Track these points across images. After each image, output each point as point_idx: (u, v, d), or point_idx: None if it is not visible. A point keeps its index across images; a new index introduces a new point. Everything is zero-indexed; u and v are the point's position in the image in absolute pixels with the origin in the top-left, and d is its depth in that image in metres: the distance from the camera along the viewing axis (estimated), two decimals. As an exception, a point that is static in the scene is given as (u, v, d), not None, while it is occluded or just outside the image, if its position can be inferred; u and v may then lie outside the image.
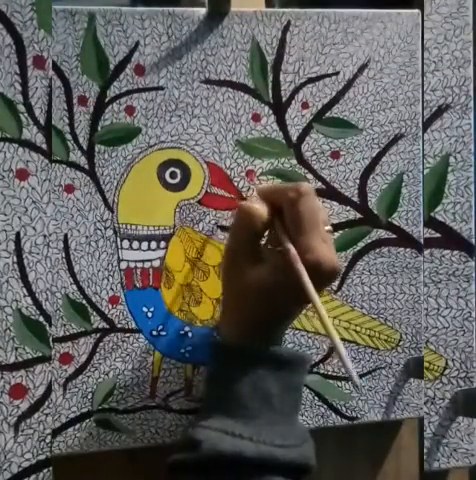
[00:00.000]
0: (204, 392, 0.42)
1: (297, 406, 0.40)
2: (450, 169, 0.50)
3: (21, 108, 0.42)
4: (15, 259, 0.42)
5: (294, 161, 0.47)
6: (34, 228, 0.43)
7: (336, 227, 0.48)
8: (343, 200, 0.48)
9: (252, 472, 0.35)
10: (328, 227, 0.41)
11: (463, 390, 0.51)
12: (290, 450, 0.36)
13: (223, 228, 0.46)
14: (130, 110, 0.44)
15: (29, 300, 0.42)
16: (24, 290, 0.42)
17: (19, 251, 0.42)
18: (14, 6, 0.41)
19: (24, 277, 0.42)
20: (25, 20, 0.42)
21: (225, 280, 0.41)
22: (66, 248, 0.44)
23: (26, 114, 0.42)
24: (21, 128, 0.42)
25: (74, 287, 0.44)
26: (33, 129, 0.42)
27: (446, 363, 0.51)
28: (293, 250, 0.37)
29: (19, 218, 0.42)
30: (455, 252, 0.51)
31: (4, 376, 0.42)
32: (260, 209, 0.39)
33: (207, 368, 0.43)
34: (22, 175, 0.42)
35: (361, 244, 0.49)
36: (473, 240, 0.51)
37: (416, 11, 0.48)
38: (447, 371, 0.51)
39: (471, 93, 0.50)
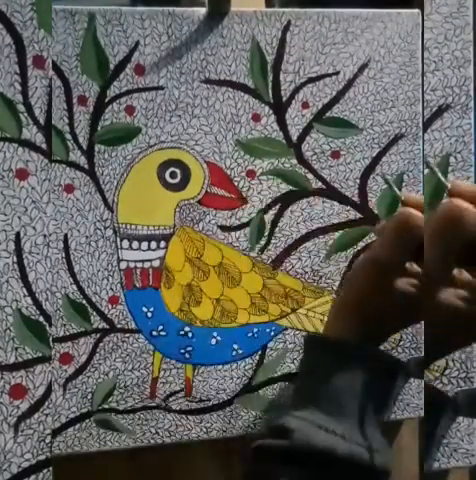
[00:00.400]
0: (299, 383, 0.41)
1: (386, 412, 0.40)
2: (450, 169, 0.50)
3: (21, 108, 0.42)
4: (15, 259, 0.42)
5: (294, 161, 0.47)
6: (34, 228, 0.43)
7: (336, 227, 0.48)
8: (343, 200, 0.48)
9: (341, 470, 0.35)
10: None
11: (463, 390, 0.51)
12: (378, 454, 0.36)
13: (223, 228, 0.46)
14: (130, 110, 0.44)
15: (29, 300, 0.42)
16: (24, 290, 0.42)
17: (19, 251, 0.42)
18: (14, 6, 0.41)
19: (24, 277, 0.42)
20: (25, 20, 0.41)
21: (358, 282, 0.39)
22: (66, 248, 0.44)
23: (26, 114, 0.42)
24: (21, 128, 0.42)
25: (74, 287, 0.44)
26: (33, 129, 0.42)
27: (446, 363, 0.51)
28: None
29: (19, 218, 0.42)
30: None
31: (4, 376, 0.42)
32: (420, 218, 0.35)
33: (304, 359, 0.42)
34: (22, 175, 0.42)
35: (361, 244, 0.49)
36: (473, 240, 0.51)
37: (416, 11, 0.48)
38: (447, 371, 0.51)
39: (471, 93, 0.50)
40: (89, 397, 0.45)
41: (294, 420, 0.36)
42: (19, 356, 0.42)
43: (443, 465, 0.51)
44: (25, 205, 0.42)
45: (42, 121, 0.42)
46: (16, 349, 0.42)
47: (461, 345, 0.41)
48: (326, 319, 0.47)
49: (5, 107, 0.42)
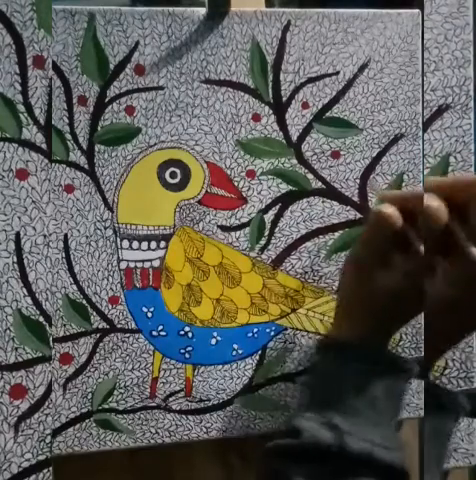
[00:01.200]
0: (308, 384, 0.42)
1: (398, 411, 0.40)
2: (450, 169, 0.50)
3: (21, 108, 0.42)
4: (15, 259, 0.42)
5: (294, 161, 0.47)
6: (34, 228, 0.43)
7: (336, 227, 0.48)
8: (343, 200, 0.48)
9: (351, 468, 0.36)
10: None
11: (463, 390, 0.51)
12: (390, 452, 0.37)
13: (223, 228, 0.46)
14: (130, 110, 0.44)
15: (29, 300, 0.42)
16: (24, 290, 0.42)
17: (19, 251, 0.42)
18: (14, 6, 0.41)
19: (24, 277, 0.42)
20: (25, 20, 0.41)
21: (350, 282, 0.41)
22: (66, 248, 0.44)
23: (26, 114, 0.42)
24: (21, 128, 0.42)
25: (74, 287, 0.44)
26: (33, 129, 0.42)
27: (446, 363, 0.51)
28: None
29: (19, 218, 0.42)
30: (455, 252, 0.51)
31: (4, 376, 0.42)
32: (395, 214, 0.37)
33: (313, 361, 0.43)
34: (22, 175, 0.42)
35: (361, 244, 0.49)
36: (473, 240, 0.51)
37: (416, 11, 0.48)
38: (447, 371, 0.51)
39: (471, 93, 0.50)
40: (89, 397, 0.45)
41: (303, 420, 0.37)
42: (19, 356, 0.42)
43: (443, 465, 0.51)
44: (25, 205, 0.42)
45: (42, 121, 0.42)
46: (16, 349, 0.42)
47: (459, 336, 0.41)
48: (328, 319, 0.47)
49: (5, 107, 0.42)
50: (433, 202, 0.35)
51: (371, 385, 0.38)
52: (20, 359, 0.42)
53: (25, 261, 0.42)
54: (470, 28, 0.50)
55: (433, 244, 0.36)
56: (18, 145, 0.42)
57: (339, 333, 0.42)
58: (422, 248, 0.35)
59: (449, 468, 0.52)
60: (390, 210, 0.37)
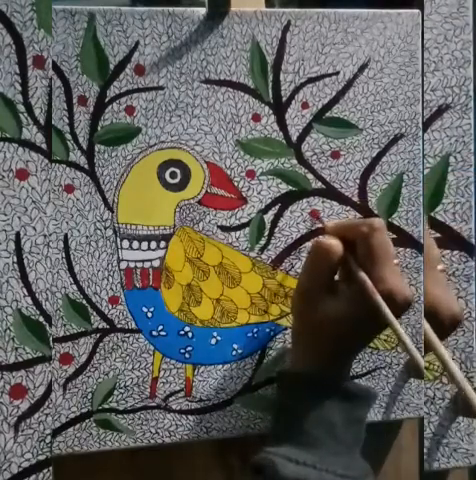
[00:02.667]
0: (271, 420, 0.43)
1: (360, 439, 0.41)
2: (450, 169, 0.50)
3: (21, 108, 0.42)
4: (15, 259, 0.42)
5: (294, 161, 0.47)
6: (34, 228, 0.43)
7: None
8: (343, 200, 0.48)
9: None
10: (397, 261, 0.44)
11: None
12: None
13: (223, 228, 0.46)
14: (130, 110, 0.44)
15: (29, 300, 0.42)
16: (24, 290, 0.42)
17: (19, 251, 0.42)
18: (14, 6, 0.41)
19: (24, 277, 0.42)
20: (25, 20, 0.41)
21: (298, 312, 0.43)
22: (66, 248, 0.44)
23: (26, 114, 0.42)
24: (21, 128, 0.42)
25: (74, 287, 0.44)
26: (33, 129, 0.42)
27: (446, 363, 0.51)
28: (368, 281, 0.39)
29: (19, 218, 0.42)
30: (455, 252, 0.51)
31: (4, 376, 0.42)
32: (336, 245, 0.41)
33: (274, 395, 0.45)
34: (22, 175, 0.42)
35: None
36: (473, 240, 0.51)
37: (416, 11, 0.48)
38: (447, 371, 0.51)
39: (471, 93, 0.50)
40: (89, 397, 0.45)
41: (266, 456, 0.38)
42: (19, 356, 0.42)
43: (443, 465, 0.51)
44: (25, 205, 0.42)
45: (42, 121, 0.42)
46: (16, 349, 0.42)
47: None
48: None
49: (5, 107, 0.42)
50: (332, 241, 0.42)
51: (329, 414, 0.39)
52: (20, 359, 0.42)
53: (25, 261, 0.42)
54: (470, 28, 0.50)
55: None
56: (18, 145, 0.42)
57: (295, 364, 0.42)
58: (361, 275, 0.40)
59: (449, 468, 0.52)
60: (332, 241, 0.42)
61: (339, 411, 0.39)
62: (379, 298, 0.39)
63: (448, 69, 0.50)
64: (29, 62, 0.42)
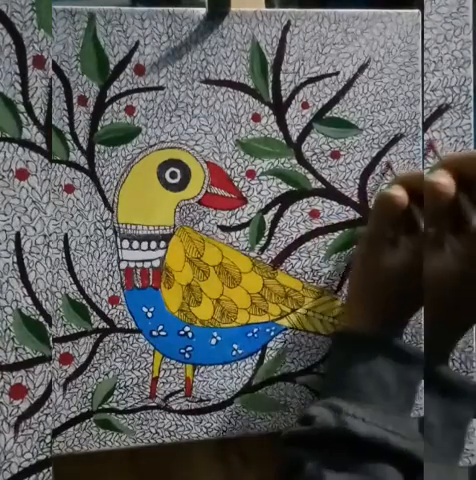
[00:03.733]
0: (323, 376, 0.44)
1: (412, 402, 0.40)
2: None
3: (21, 108, 0.42)
4: (15, 259, 0.42)
5: (294, 161, 0.47)
6: (34, 228, 0.43)
7: (336, 227, 0.48)
8: (343, 200, 0.48)
9: (364, 453, 0.36)
10: None
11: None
12: (404, 440, 0.36)
13: (223, 228, 0.46)
14: (130, 110, 0.44)
15: (29, 300, 0.42)
16: (24, 290, 0.42)
17: (19, 251, 0.42)
18: (14, 6, 0.41)
19: (24, 277, 0.42)
20: (25, 20, 0.41)
21: (361, 266, 0.42)
22: (66, 248, 0.44)
23: (26, 114, 0.42)
24: (21, 128, 0.42)
25: (74, 287, 0.44)
26: (33, 129, 0.42)
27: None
28: None
29: (19, 218, 0.42)
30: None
31: (4, 376, 0.42)
32: (401, 196, 0.39)
33: (328, 352, 0.45)
34: (22, 175, 0.42)
35: (361, 244, 0.49)
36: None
37: (416, 11, 0.48)
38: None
39: (471, 93, 0.50)
40: (89, 397, 0.45)
41: (316, 408, 0.38)
42: (19, 356, 0.42)
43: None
44: (25, 205, 0.42)
45: (42, 121, 0.42)
46: (16, 349, 0.42)
47: (471, 315, 0.40)
48: (327, 319, 0.48)
49: (5, 107, 0.42)
50: (439, 178, 0.35)
51: (382, 373, 0.38)
52: (20, 359, 0.42)
53: (25, 261, 0.42)
54: (470, 28, 0.50)
55: (440, 220, 0.37)
56: (18, 145, 0.42)
57: (351, 323, 0.42)
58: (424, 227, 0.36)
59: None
60: (397, 192, 0.39)
61: (392, 370, 0.39)
62: None
63: (448, 69, 0.50)
64: (29, 62, 0.42)
